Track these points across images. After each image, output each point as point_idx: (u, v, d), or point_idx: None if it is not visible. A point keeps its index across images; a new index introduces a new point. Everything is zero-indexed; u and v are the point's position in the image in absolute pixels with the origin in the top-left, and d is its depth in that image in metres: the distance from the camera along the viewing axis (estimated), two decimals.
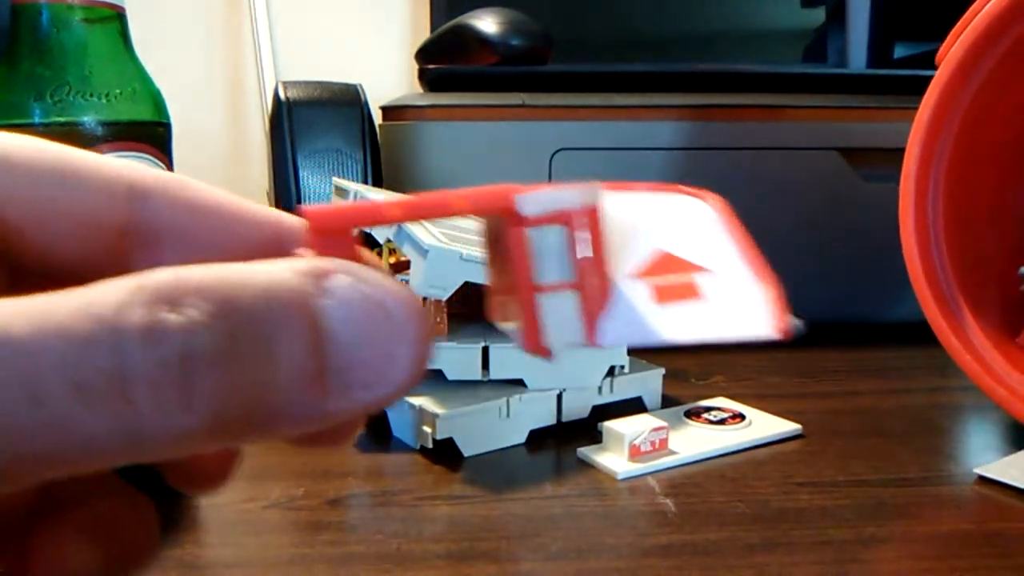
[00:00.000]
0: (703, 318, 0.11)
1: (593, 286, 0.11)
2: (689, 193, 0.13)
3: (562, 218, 0.11)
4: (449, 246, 0.32)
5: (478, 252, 0.32)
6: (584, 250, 0.11)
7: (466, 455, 0.32)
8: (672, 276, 0.11)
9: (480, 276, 0.32)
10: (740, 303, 0.11)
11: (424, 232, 0.32)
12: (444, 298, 0.32)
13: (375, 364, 0.09)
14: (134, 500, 0.13)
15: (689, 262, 0.12)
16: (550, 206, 0.11)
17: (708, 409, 0.37)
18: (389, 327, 0.10)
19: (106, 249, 0.12)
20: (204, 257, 0.12)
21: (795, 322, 0.12)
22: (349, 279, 0.10)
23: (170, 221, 0.12)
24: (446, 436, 0.31)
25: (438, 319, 0.35)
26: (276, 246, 0.12)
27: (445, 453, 0.32)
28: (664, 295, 0.11)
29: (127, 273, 0.12)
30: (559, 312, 0.11)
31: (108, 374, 0.08)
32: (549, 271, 0.11)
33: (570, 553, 0.24)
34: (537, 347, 0.11)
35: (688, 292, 0.11)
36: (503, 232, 0.11)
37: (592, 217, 0.11)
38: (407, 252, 0.32)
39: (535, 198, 0.11)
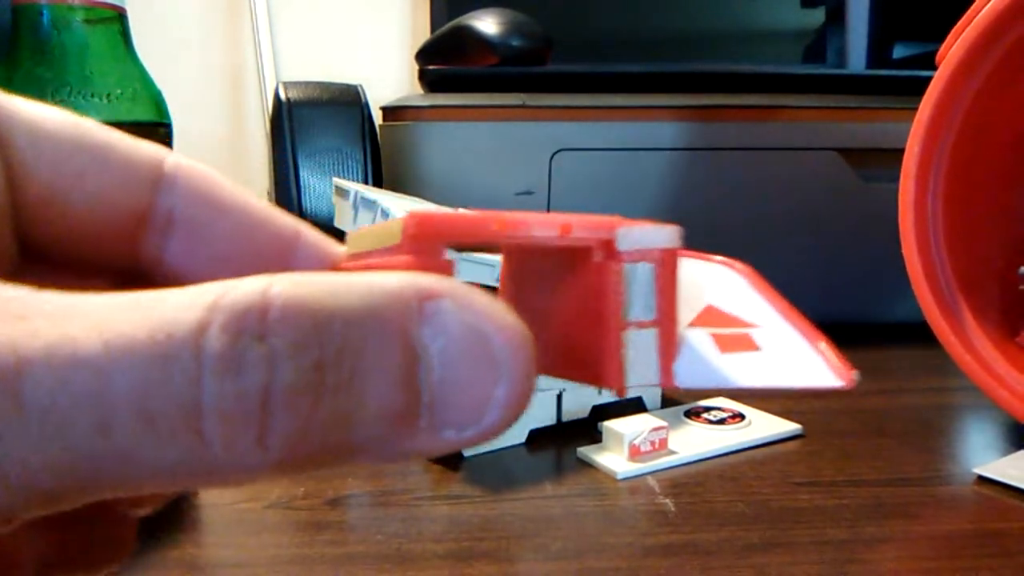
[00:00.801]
0: (768, 366, 0.11)
1: (670, 327, 0.11)
2: (720, 262, 0.13)
3: (653, 256, 0.11)
4: None
5: (477, 252, 0.32)
6: (667, 290, 0.11)
7: (466, 455, 0.32)
8: (728, 328, 0.12)
9: (479, 276, 0.32)
10: (798, 354, 0.12)
11: None
12: None
13: (470, 406, 0.09)
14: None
15: (740, 318, 0.12)
16: (644, 243, 0.11)
17: (708, 409, 0.37)
18: (491, 367, 0.09)
19: (119, 230, 0.11)
20: (212, 255, 0.11)
21: (856, 373, 0.12)
22: (454, 306, 0.09)
23: (189, 213, 0.12)
24: None
25: None
26: (290, 256, 0.12)
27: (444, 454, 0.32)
28: (725, 344, 0.11)
29: (133, 255, 0.11)
30: (640, 350, 0.11)
31: (182, 406, 0.08)
32: (637, 308, 0.11)
33: (570, 553, 0.24)
34: (619, 384, 0.11)
35: (746, 343, 0.11)
36: (578, 265, 0.11)
37: (674, 258, 0.11)
38: None
39: (634, 233, 0.11)
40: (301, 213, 0.48)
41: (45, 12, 0.27)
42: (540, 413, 0.34)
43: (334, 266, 0.12)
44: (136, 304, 0.08)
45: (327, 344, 0.08)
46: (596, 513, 0.27)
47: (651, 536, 0.26)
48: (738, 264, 0.13)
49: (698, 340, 0.11)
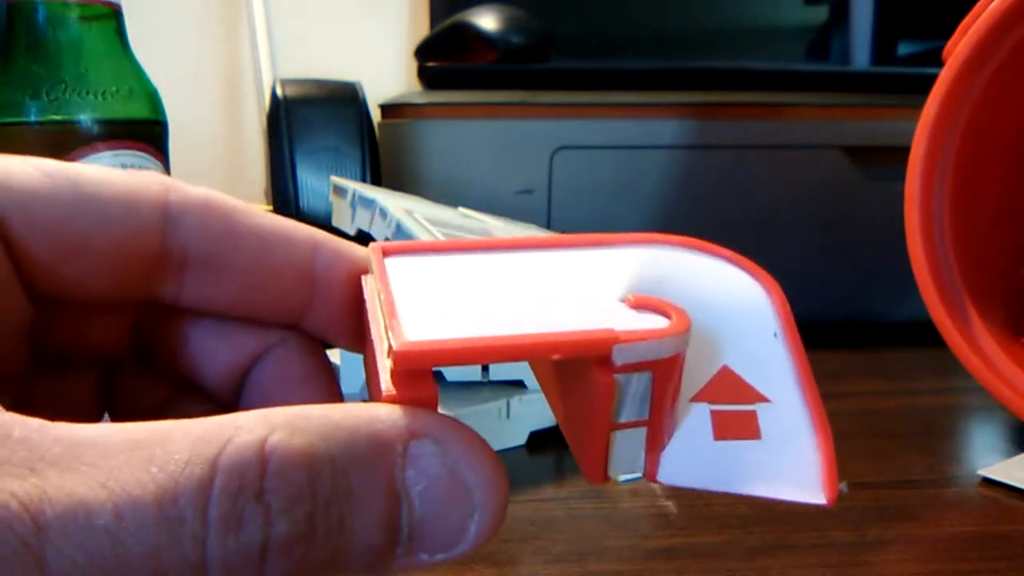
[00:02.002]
0: (753, 468, 0.11)
1: (660, 421, 0.11)
2: (752, 272, 0.13)
3: (649, 366, 0.11)
4: None
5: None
6: (663, 391, 0.11)
7: None
8: (733, 403, 0.11)
9: None
10: (794, 454, 0.12)
11: (423, 231, 0.32)
12: None
13: (445, 536, 0.10)
14: None
15: (751, 388, 0.12)
16: (640, 357, 0.11)
17: None
18: (466, 503, 0.10)
19: (133, 275, 0.11)
20: (231, 285, 0.12)
21: (843, 487, 0.12)
22: (435, 448, 0.09)
23: (202, 248, 0.12)
24: None
25: None
26: (309, 272, 0.12)
27: None
28: (723, 427, 0.11)
29: (152, 293, 0.12)
30: (626, 446, 0.11)
31: (190, 563, 0.08)
32: (627, 412, 0.11)
33: (571, 556, 0.24)
34: (599, 479, 0.11)
35: (746, 427, 0.11)
36: (580, 371, 0.11)
37: (674, 365, 0.11)
38: None
39: (631, 350, 0.10)
40: (298, 212, 0.48)
41: (40, 9, 0.27)
42: (540, 414, 0.34)
43: (355, 274, 0.12)
44: (140, 450, 0.08)
45: (319, 494, 0.09)
46: (597, 516, 0.27)
47: (653, 539, 0.25)
48: (772, 286, 0.13)
49: (695, 426, 0.11)
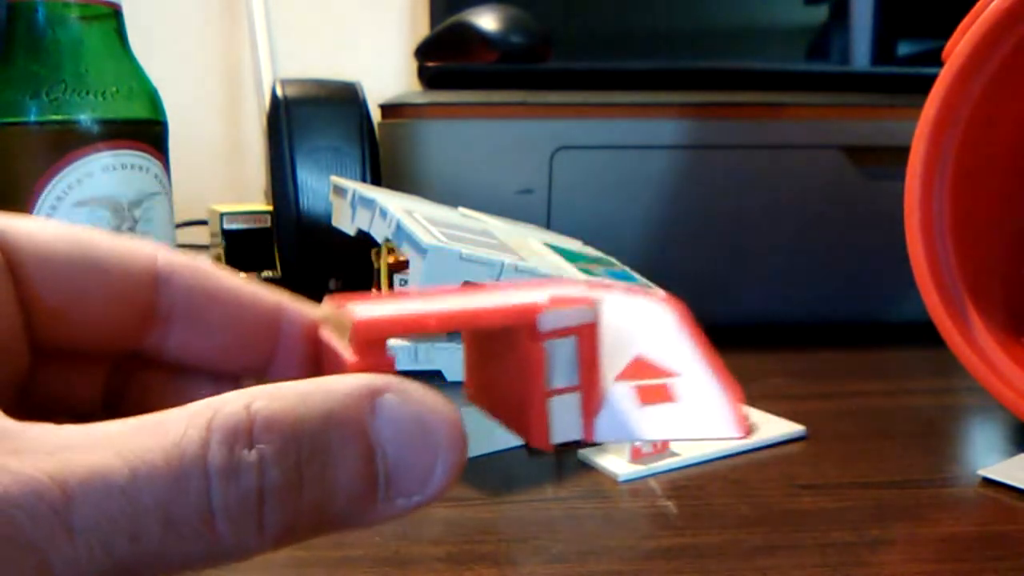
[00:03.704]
0: (677, 419, 0.14)
1: (592, 388, 0.13)
2: (657, 298, 0.16)
3: (572, 331, 0.13)
4: (448, 245, 0.31)
5: (477, 251, 0.32)
6: (588, 357, 0.13)
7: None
8: (650, 379, 0.14)
9: (479, 276, 0.32)
10: (708, 406, 0.14)
11: (423, 231, 0.32)
12: None
13: (417, 477, 0.11)
14: None
15: (663, 367, 0.14)
16: (565, 323, 0.13)
17: None
18: (431, 443, 0.11)
19: (127, 328, 0.13)
20: (209, 339, 0.13)
21: (753, 422, 0.14)
22: (397, 398, 0.11)
23: (186, 305, 0.13)
24: None
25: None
26: (275, 329, 0.14)
27: None
28: (645, 396, 0.14)
29: (137, 345, 0.13)
30: (564, 412, 0.13)
31: (197, 510, 0.10)
32: (559, 377, 0.13)
33: (571, 556, 0.24)
34: (544, 444, 0.13)
35: (663, 394, 0.14)
36: (513, 341, 0.13)
37: (593, 331, 0.13)
38: (406, 251, 0.32)
39: (554, 316, 0.13)
40: (298, 212, 0.48)
41: (40, 9, 0.27)
42: None
43: (313, 330, 0.14)
44: (144, 428, 0.10)
45: (303, 446, 0.10)
46: (597, 516, 0.27)
47: (653, 539, 0.25)
48: (673, 302, 0.15)
49: (621, 395, 0.14)
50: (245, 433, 0.10)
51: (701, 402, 0.14)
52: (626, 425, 0.14)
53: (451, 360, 0.33)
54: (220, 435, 0.10)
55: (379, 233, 0.35)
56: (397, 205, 0.36)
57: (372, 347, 0.12)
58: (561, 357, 0.13)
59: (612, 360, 0.14)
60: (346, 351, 0.12)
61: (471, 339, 0.15)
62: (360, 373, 0.11)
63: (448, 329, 0.13)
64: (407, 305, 0.13)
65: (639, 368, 0.14)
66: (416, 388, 0.11)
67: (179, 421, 0.10)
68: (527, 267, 0.33)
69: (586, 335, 0.13)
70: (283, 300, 0.14)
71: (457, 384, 0.33)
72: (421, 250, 0.31)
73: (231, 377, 0.14)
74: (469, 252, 0.31)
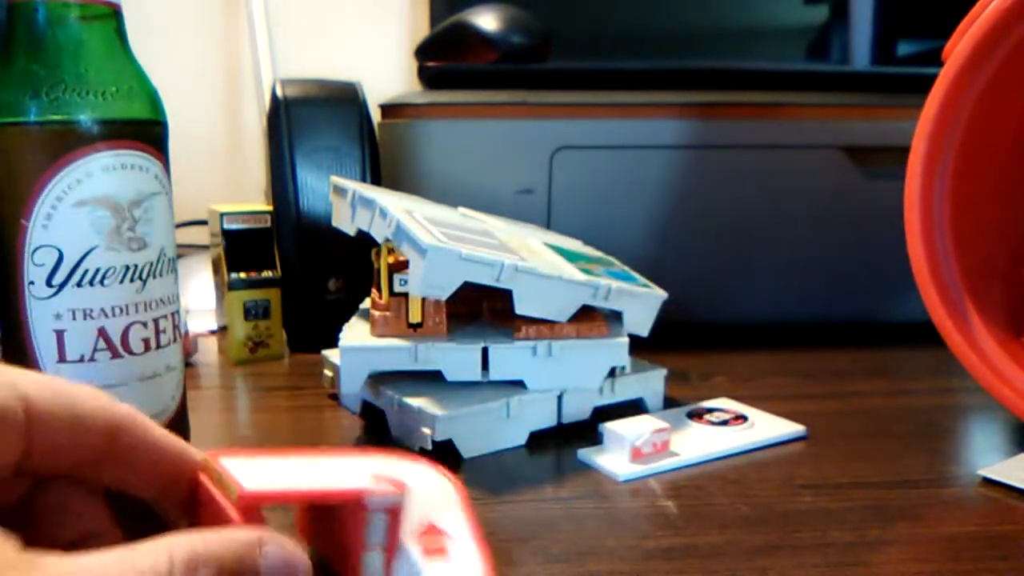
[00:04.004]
0: (445, 572, 0.21)
1: (393, 547, 0.21)
2: (448, 479, 0.23)
3: (387, 510, 0.20)
4: (449, 245, 0.31)
5: (477, 251, 0.32)
6: (393, 528, 0.21)
7: (465, 457, 0.32)
8: (435, 541, 0.22)
9: (479, 276, 0.32)
10: (464, 562, 0.21)
11: (423, 231, 0.32)
12: (443, 298, 0.32)
13: None
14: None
15: (445, 532, 0.22)
16: (383, 504, 0.20)
17: (710, 410, 0.36)
18: (295, 574, 0.17)
19: (87, 462, 0.18)
20: (142, 472, 0.19)
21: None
22: (276, 548, 0.17)
23: (128, 450, 0.18)
24: (445, 438, 0.31)
25: (436, 319, 0.34)
26: (183, 468, 0.19)
27: (444, 455, 0.31)
28: (428, 553, 0.21)
29: (97, 477, 0.19)
30: (373, 561, 0.20)
31: None
32: (374, 539, 0.20)
33: (571, 556, 0.24)
34: None
35: (440, 552, 0.21)
36: (348, 509, 0.20)
37: (398, 511, 0.21)
38: (406, 252, 0.32)
39: (379, 500, 0.20)
40: (298, 212, 0.48)
41: (40, 9, 0.27)
42: (541, 414, 0.34)
43: (194, 471, 0.20)
44: (126, 559, 0.15)
45: (225, 573, 0.16)
46: (597, 515, 0.27)
47: (653, 539, 0.25)
48: (449, 476, 0.23)
49: (413, 551, 0.21)
50: (194, 565, 0.15)
51: (461, 560, 0.21)
52: (411, 574, 0.21)
53: (449, 360, 0.33)
54: (180, 567, 0.15)
55: (379, 233, 0.35)
56: (397, 205, 0.36)
57: (251, 512, 0.18)
58: (376, 527, 0.20)
59: (417, 520, 0.22)
60: (230, 508, 0.18)
61: (310, 508, 0.23)
62: (246, 527, 0.17)
63: (307, 502, 0.22)
64: (277, 476, 0.20)
65: (430, 531, 0.22)
66: (286, 541, 0.17)
67: (146, 552, 0.15)
68: (527, 267, 0.33)
69: (394, 513, 0.21)
70: (188, 450, 0.19)
71: (456, 384, 0.33)
72: (421, 250, 0.31)
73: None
74: (469, 252, 0.31)
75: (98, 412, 0.18)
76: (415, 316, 0.34)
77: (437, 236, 0.32)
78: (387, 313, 0.34)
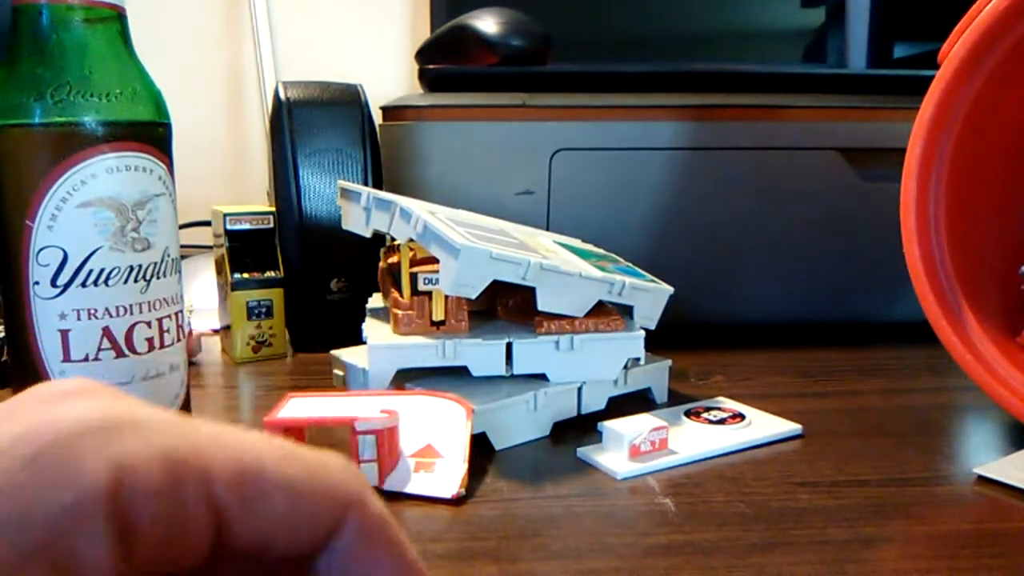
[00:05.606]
0: (428, 480, 0.28)
1: (384, 461, 0.28)
2: (453, 400, 0.31)
3: (374, 432, 0.28)
4: (480, 245, 0.32)
5: (505, 251, 0.33)
6: (385, 445, 0.28)
7: (497, 449, 0.32)
8: (427, 458, 0.28)
9: (507, 274, 0.32)
10: (445, 478, 0.28)
11: (452, 231, 0.32)
12: (473, 296, 0.32)
13: None
14: None
15: (439, 451, 0.29)
16: (371, 426, 0.28)
17: (708, 409, 0.37)
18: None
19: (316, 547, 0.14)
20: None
21: (463, 492, 0.28)
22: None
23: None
24: (480, 431, 0.32)
25: (459, 317, 0.35)
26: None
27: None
28: (419, 467, 0.28)
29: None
30: (367, 472, 0.27)
31: None
32: (366, 454, 0.28)
33: (570, 553, 0.24)
34: None
35: (430, 467, 0.28)
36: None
37: (388, 433, 0.28)
38: (434, 252, 0.32)
39: (365, 424, 0.28)
40: (301, 212, 0.48)
41: (45, 11, 0.27)
42: (563, 406, 0.35)
43: None
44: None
45: None
46: (596, 513, 0.27)
47: (651, 536, 0.26)
48: (464, 403, 0.31)
49: (407, 465, 0.29)
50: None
51: (443, 476, 0.27)
52: (400, 483, 0.28)
53: (475, 356, 0.34)
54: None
55: (402, 234, 0.35)
56: (419, 207, 0.36)
57: (290, 432, 0.26)
58: (367, 444, 0.28)
59: (417, 439, 0.29)
60: None
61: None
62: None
63: (318, 427, 0.32)
64: (313, 409, 0.29)
65: (425, 450, 0.29)
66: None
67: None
68: (551, 265, 0.33)
69: (384, 435, 0.27)
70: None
71: (476, 379, 0.34)
72: (454, 250, 0.31)
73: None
74: (499, 252, 0.32)
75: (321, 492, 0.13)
76: (439, 314, 0.35)
77: (466, 236, 0.32)
78: (410, 312, 0.35)
